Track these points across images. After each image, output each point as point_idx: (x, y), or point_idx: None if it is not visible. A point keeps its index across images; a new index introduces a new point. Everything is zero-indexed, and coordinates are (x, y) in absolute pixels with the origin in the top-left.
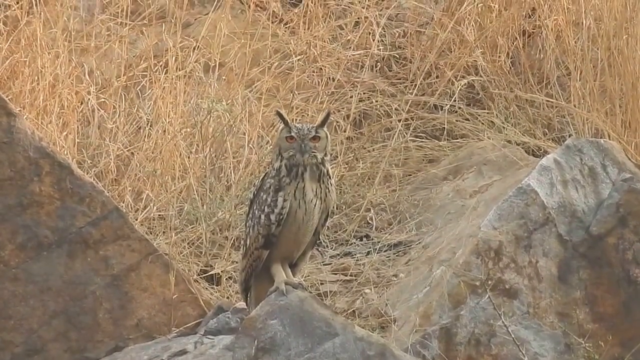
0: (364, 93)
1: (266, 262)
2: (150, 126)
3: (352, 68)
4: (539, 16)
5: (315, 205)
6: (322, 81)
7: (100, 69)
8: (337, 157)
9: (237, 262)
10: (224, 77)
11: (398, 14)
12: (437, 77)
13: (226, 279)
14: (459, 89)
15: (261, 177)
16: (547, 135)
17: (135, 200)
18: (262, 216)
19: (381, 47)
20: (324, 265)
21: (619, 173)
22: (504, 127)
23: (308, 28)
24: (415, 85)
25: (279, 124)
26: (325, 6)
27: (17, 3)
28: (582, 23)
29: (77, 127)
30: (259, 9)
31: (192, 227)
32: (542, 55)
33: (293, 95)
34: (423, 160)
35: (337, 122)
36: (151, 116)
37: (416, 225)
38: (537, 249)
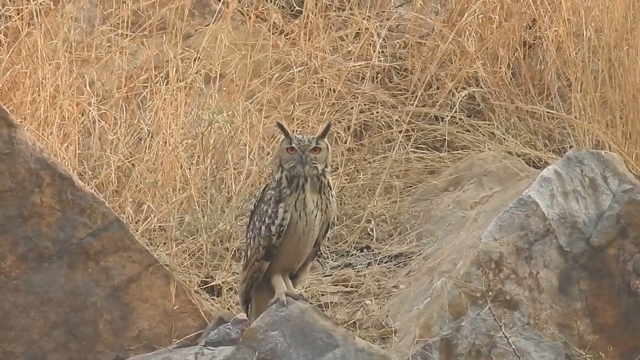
0: (365, 104)
1: (267, 273)
2: (151, 137)
3: (352, 79)
4: (540, 27)
5: (315, 217)
6: (322, 92)
7: (101, 80)
8: (338, 168)
9: (237, 274)
10: (224, 88)
11: (399, 25)
12: (437, 88)
13: (227, 290)
14: (459, 100)
15: (262, 189)
16: (548, 146)
17: (136, 212)
18: (263, 227)
19: (382, 59)
20: (324, 276)
21: (619, 184)
22: (504, 139)
23: (309, 39)
24: (416, 96)
25: (279, 135)
26: (326, 17)
27: (18, 14)
28: (583, 34)
29: (78, 138)
30: (259, 20)
31: (192, 238)
32: (542, 67)
33: (294, 106)
34: (424, 171)
35: (338, 133)
36: (152, 127)
37: (417, 237)
38: (537, 260)
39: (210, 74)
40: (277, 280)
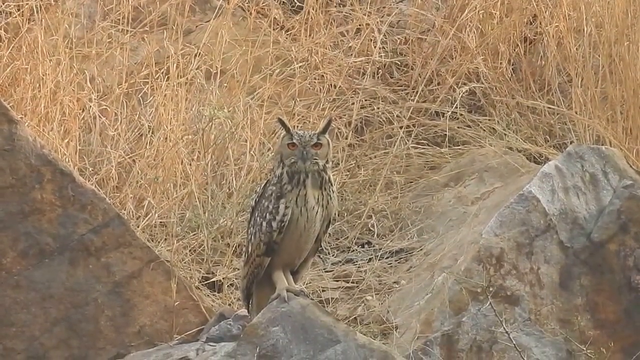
0: (366, 100)
1: (268, 269)
2: (152, 133)
3: (353, 75)
4: (540, 23)
5: (316, 213)
6: (323, 88)
7: (101, 76)
8: (339, 164)
9: (238, 269)
10: (225, 84)
11: (399, 20)
12: (438, 84)
13: (228, 286)
14: (460, 95)
15: (263, 184)
16: (549, 142)
17: (136, 208)
18: (264, 223)
19: (382, 54)
20: (325, 272)
21: (620, 180)
22: (505, 134)
23: (309, 35)
24: (417, 92)
25: (280, 131)
26: (327, 13)
27: (19, 10)
28: (584, 30)
29: (79, 134)
30: (260, 16)
31: (193, 234)
32: (543, 62)
33: (295, 102)
34: (424, 167)
35: (339, 129)
36: (153, 123)
37: (418, 232)
38: (538, 255)
39: (211, 70)
40: (278, 276)
